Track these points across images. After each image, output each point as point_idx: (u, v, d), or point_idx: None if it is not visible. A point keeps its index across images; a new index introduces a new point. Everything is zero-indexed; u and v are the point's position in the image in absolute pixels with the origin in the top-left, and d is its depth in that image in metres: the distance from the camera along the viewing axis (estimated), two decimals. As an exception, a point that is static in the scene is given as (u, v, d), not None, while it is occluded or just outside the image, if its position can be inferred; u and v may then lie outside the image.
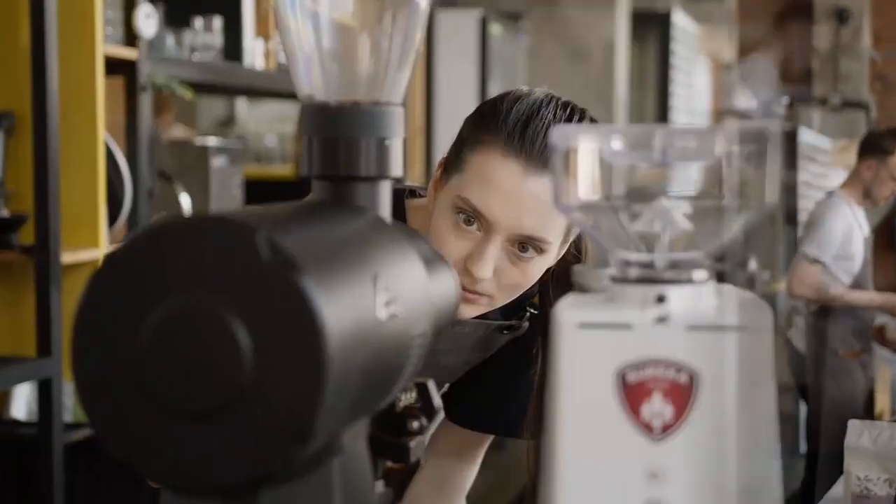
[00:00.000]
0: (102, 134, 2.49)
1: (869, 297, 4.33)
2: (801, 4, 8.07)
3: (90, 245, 2.48)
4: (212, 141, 3.14)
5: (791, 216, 6.92)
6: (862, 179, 4.26)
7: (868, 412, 4.32)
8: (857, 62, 9.79)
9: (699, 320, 0.67)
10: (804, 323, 4.44)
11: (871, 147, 4.29)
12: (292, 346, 0.60)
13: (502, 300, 1.29)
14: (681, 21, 7.54)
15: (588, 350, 0.68)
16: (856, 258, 4.25)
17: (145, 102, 2.66)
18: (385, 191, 0.80)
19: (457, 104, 5.87)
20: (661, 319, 0.68)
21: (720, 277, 0.71)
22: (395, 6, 0.81)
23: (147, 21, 2.62)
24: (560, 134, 0.70)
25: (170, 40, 2.92)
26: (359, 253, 0.69)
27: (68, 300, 2.37)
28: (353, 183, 0.78)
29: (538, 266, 1.26)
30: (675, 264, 0.71)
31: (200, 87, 3.19)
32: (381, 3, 0.80)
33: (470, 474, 1.56)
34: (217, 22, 3.04)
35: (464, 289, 1.24)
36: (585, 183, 0.71)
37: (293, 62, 0.80)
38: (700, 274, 0.70)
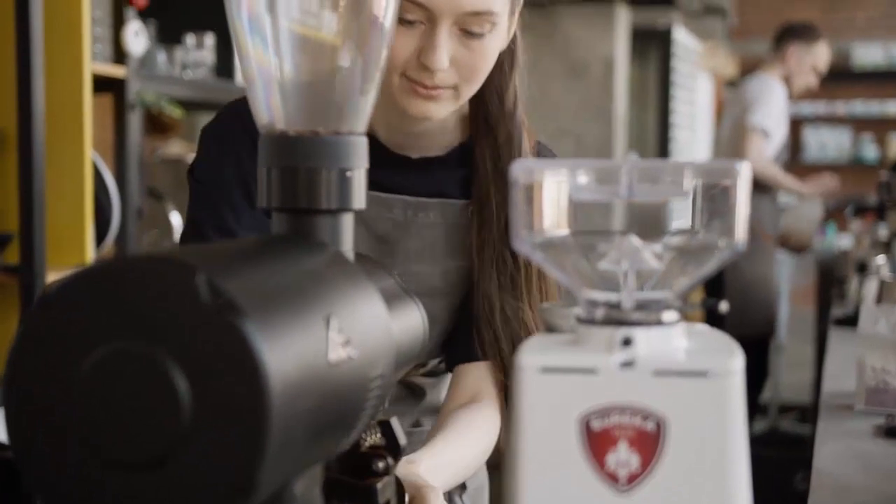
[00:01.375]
0: (90, 152, 2.46)
1: (799, 184, 4.53)
2: None
3: (77, 265, 2.45)
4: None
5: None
6: (785, 64, 4.37)
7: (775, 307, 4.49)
8: None
9: (667, 365, 0.64)
10: None
11: (796, 34, 4.43)
12: (233, 393, 0.57)
13: (467, 90, 1.25)
14: (682, 37, 7.52)
15: (551, 396, 0.65)
16: (779, 137, 4.41)
17: (134, 120, 2.63)
18: (347, 223, 0.77)
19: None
20: (627, 364, 0.64)
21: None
22: (356, 33, 0.78)
23: (136, 39, 2.59)
24: (522, 168, 0.67)
25: (161, 57, 2.90)
26: (312, 292, 0.66)
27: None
28: (314, 216, 0.75)
29: (492, 44, 1.22)
30: (643, 304, 0.67)
31: (191, 105, 3.16)
32: (342, 31, 0.77)
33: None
34: (209, 39, 3.01)
35: (424, 86, 1.21)
36: (549, 219, 0.68)
37: (252, 89, 0.77)
38: (669, 315, 0.67)
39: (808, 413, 5.18)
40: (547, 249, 0.68)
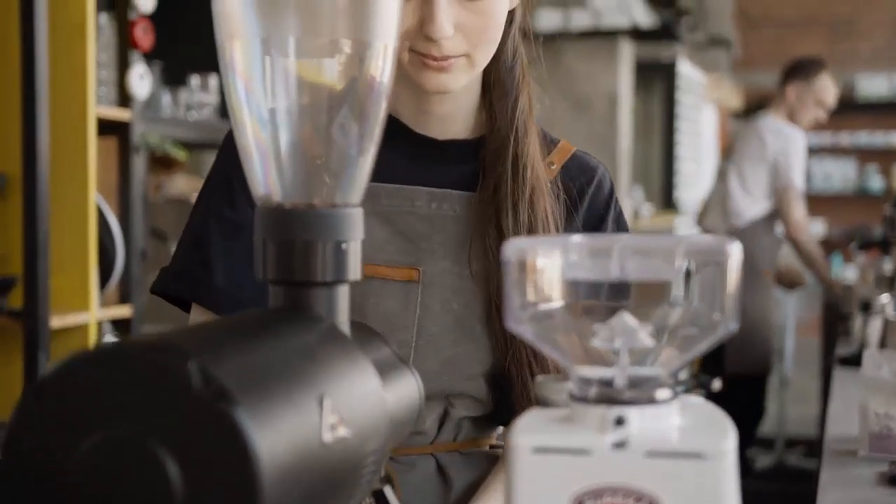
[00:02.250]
0: (94, 195, 2.47)
1: (826, 273, 4.60)
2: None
3: (81, 309, 2.45)
4: (208, 198, 3.12)
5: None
6: (787, 102, 4.41)
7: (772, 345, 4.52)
8: None
9: (660, 445, 0.64)
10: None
11: (797, 71, 4.49)
12: (225, 481, 0.57)
13: (482, 56, 1.19)
14: (686, 70, 7.55)
15: (543, 476, 0.65)
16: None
17: (138, 163, 2.64)
18: (343, 296, 0.77)
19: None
20: (620, 445, 0.64)
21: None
22: (353, 101, 0.78)
23: (141, 82, 2.61)
24: (514, 248, 0.67)
25: (165, 98, 2.91)
26: (305, 372, 0.66)
27: (56, 365, 2.33)
28: (309, 288, 0.76)
29: (497, 2, 1.17)
30: (636, 382, 0.68)
31: (196, 146, 3.17)
32: (338, 104, 0.78)
33: None
34: (213, 80, 3.03)
35: (434, 58, 1.16)
36: (541, 297, 0.68)
37: (248, 161, 0.78)
38: (662, 393, 0.67)
39: (815, 447, 5.16)
40: (539, 326, 0.68)
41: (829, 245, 10.25)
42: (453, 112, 1.27)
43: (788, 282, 4.95)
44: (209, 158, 4.96)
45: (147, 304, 2.76)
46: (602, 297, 0.69)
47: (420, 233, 1.24)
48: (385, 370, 0.78)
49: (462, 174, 1.27)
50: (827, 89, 4.47)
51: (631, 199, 6.18)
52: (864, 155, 10.26)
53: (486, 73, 1.26)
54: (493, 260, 1.21)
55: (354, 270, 0.77)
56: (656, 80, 7.30)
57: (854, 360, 2.80)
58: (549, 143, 1.31)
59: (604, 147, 5.58)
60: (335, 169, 0.78)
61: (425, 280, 1.21)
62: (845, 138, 10.21)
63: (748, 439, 4.51)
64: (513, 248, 0.67)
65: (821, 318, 5.65)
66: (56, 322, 2.38)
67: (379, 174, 1.24)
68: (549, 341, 0.69)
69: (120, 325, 2.70)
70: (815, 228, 10.25)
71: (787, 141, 4.38)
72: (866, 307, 3.17)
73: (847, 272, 9.15)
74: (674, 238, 0.69)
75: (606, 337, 0.68)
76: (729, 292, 0.66)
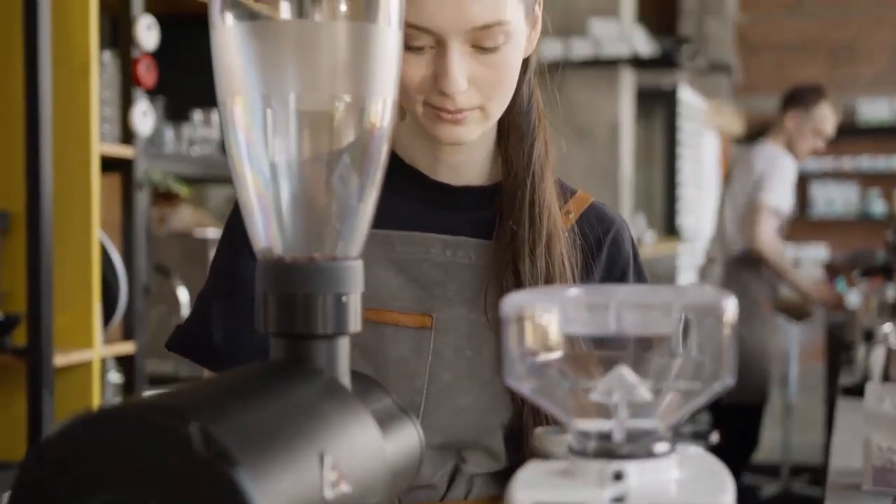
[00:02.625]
0: (97, 233, 2.48)
1: (806, 283, 4.54)
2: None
3: (84, 346, 2.46)
4: (212, 232, 3.14)
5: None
6: (786, 131, 4.41)
7: (770, 376, 4.48)
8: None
9: (659, 500, 0.65)
10: (721, 270, 4.52)
11: (795, 100, 4.47)
12: (226, 542, 0.57)
13: (496, 108, 1.18)
14: (687, 96, 7.57)
15: (543, 531, 0.65)
16: (786, 209, 4.45)
17: (141, 199, 2.66)
18: (343, 347, 0.78)
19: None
20: (619, 500, 0.65)
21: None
22: (353, 158, 0.79)
23: (144, 119, 2.62)
24: (512, 302, 0.68)
25: (169, 134, 2.93)
26: (305, 429, 0.67)
27: (61, 404, 2.34)
28: (310, 341, 0.76)
29: (511, 54, 1.15)
30: (634, 435, 0.68)
31: (199, 180, 3.19)
32: (337, 156, 0.79)
33: None
34: (215, 115, 3.04)
35: (448, 111, 1.15)
36: (539, 351, 0.69)
37: (249, 215, 0.78)
38: (661, 446, 0.67)
39: (821, 475, 5.14)
40: (537, 381, 0.69)
41: (832, 269, 10.25)
42: (468, 159, 1.27)
43: (793, 313, 4.95)
44: (213, 192, 5.00)
45: (150, 340, 2.76)
46: (600, 351, 0.70)
47: (434, 280, 1.23)
48: (386, 421, 0.79)
49: (478, 221, 1.26)
50: (825, 119, 4.46)
51: (633, 227, 6.19)
52: (867, 179, 10.27)
53: (502, 118, 1.25)
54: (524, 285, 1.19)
55: (355, 322, 0.78)
56: (657, 106, 7.33)
57: (857, 391, 2.79)
58: (565, 192, 1.30)
59: (605, 175, 5.60)
60: (336, 221, 0.79)
61: (438, 326, 1.21)
62: (847, 162, 10.23)
63: (741, 468, 4.50)
64: (511, 303, 0.68)
65: (824, 343, 5.65)
66: (60, 360, 2.38)
67: (394, 221, 1.25)
68: (547, 395, 0.70)
69: (124, 361, 2.70)
70: (817, 253, 10.27)
71: (772, 164, 4.40)
72: (869, 336, 3.16)
73: (851, 297, 9.14)
74: (670, 293, 0.70)
75: (604, 391, 0.69)
76: (725, 346, 0.67)
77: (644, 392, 0.68)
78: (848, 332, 4.19)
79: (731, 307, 0.67)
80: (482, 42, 1.13)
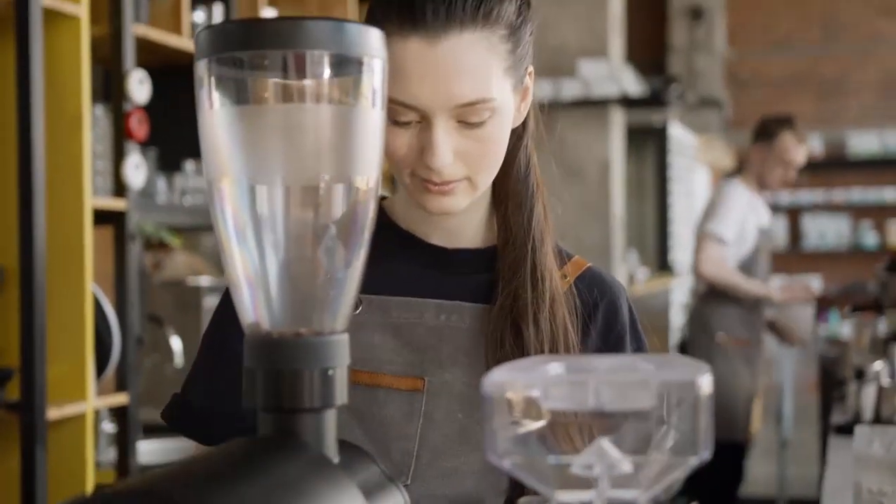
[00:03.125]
0: (90, 286, 2.49)
1: (766, 290, 4.45)
2: None
3: (78, 399, 2.47)
4: (205, 280, 3.15)
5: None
6: (754, 165, 4.41)
7: (747, 414, 4.39)
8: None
9: (638, 573, 0.66)
10: (691, 308, 4.55)
11: (760, 132, 4.48)
12: None
13: (483, 179, 1.18)
14: (677, 133, 7.62)
15: None
16: (746, 244, 4.36)
17: (134, 251, 2.67)
18: (330, 420, 0.79)
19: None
20: (600, 573, 0.66)
21: None
22: (339, 234, 0.81)
23: (136, 172, 2.65)
24: (492, 382, 0.70)
25: (161, 184, 2.95)
26: (292, 508, 0.68)
27: (55, 456, 2.35)
28: (298, 415, 0.78)
29: (498, 127, 1.16)
30: (615, 508, 0.70)
31: (192, 229, 3.21)
32: (323, 233, 0.81)
33: None
34: (208, 164, 3.05)
35: (435, 183, 1.15)
36: (520, 427, 0.70)
37: (236, 291, 0.80)
38: (641, 519, 0.69)
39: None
40: (519, 456, 0.70)
41: (825, 302, 10.29)
42: (463, 223, 1.28)
43: (788, 340, 4.95)
44: (205, 239, 5.01)
45: (144, 389, 2.77)
46: (581, 424, 0.71)
47: (428, 343, 1.24)
48: (373, 490, 0.80)
49: (473, 284, 1.26)
50: (788, 149, 4.40)
51: (626, 264, 6.21)
52: (858, 211, 10.33)
53: (499, 185, 1.26)
54: (528, 347, 1.20)
55: (341, 395, 0.79)
56: (648, 143, 7.37)
57: (849, 429, 2.80)
58: (562, 256, 1.30)
59: (597, 213, 5.62)
60: (321, 296, 0.80)
61: (430, 390, 1.21)
62: (839, 195, 10.29)
63: (730, 502, 4.49)
64: (492, 381, 0.70)
65: (818, 377, 5.66)
66: (53, 413, 2.39)
67: (392, 286, 1.27)
68: (529, 469, 0.71)
69: (117, 410, 2.71)
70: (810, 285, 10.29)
71: (721, 193, 4.41)
72: (860, 374, 3.18)
73: (843, 329, 9.16)
74: (650, 367, 0.72)
75: (586, 464, 0.70)
76: (702, 421, 0.69)
77: (625, 464, 0.70)
78: (840, 367, 4.20)
79: (706, 383, 0.68)
80: (467, 118, 1.14)
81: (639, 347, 1.30)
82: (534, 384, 0.70)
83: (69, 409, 2.43)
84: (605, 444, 0.70)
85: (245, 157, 0.79)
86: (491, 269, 1.26)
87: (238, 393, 0.94)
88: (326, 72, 0.78)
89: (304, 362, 0.78)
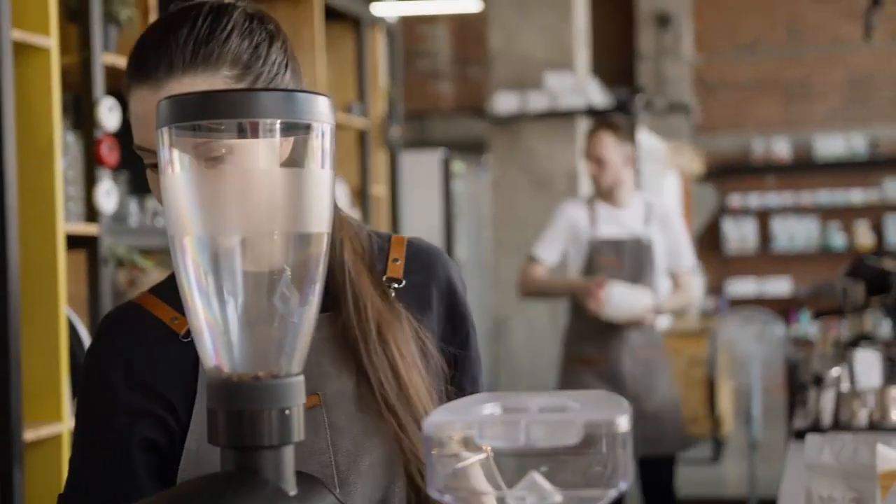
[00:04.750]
0: (64, 309, 2.55)
1: (571, 281, 4.18)
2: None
3: (53, 420, 2.52)
4: (177, 299, 3.19)
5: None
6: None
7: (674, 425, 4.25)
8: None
9: None
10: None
11: None
12: None
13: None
14: (646, 140, 7.71)
15: None
16: (580, 256, 4.19)
17: (106, 275, 2.73)
18: (288, 455, 0.86)
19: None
20: None
21: None
22: (293, 285, 0.88)
23: (107, 197, 2.71)
24: (432, 423, 0.77)
25: (133, 207, 3.01)
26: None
27: (32, 478, 2.40)
28: (257, 451, 0.85)
29: (246, 162, 1.14)
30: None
31: (165, 251, 3.27)
32: (279, 281, 0.87)
33: None
34: (179, 185, 3.11)
35: None
36: (457, 464, 0.78)
37: (199, 337, 0.87)
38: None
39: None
40: (457, 491, 0.78)
41: (795, 302, 10.43)
42: None
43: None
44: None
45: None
46: (513, 460, 0.78)
47: (310, 361, 1.30)
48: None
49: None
50: (588, 142, 4.20)
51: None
52: (826, 213, 10.46)
53: None
54: (374, 374, 1.26)
55: (298, 432, 0.86)
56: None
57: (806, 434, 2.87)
58: (381, 241, 1.35)
59: (566, 222, 5.70)
60: (278, 340, 0.87)
61: (327, 401, 1.27)
62: (807, 197, 10.42)
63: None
64: (430, 424, 0.77)
65: (784, 377, 5.74)
66: (29, 435, 2.44)
67: None
68: (467, 502, 0.78)
69: (93, 430, 2.75)
70: (780, 287, 10.44)
71: (557, 208, 4.30)
72: (818, 381, 3.25)
73: (812, 330, 9.27)
74: (575, 409, 0.79)
75: (519, 496, 0.77)
76: (619, 456, 0.76)
77: (555, 496, 0.77)
78: (803, 370, 4.26)
79: (624, 421, 0.76)
80: (206, 156, 1.14)
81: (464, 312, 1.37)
82: (469, 425, 0.77)
83: (45, 431, 2.48)
84: (537, 476, 0.78)
85: (204, 215, 0.86)
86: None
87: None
88: (278, 137, 0.85)
89: (263, 403, 0.85)
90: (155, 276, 3.77)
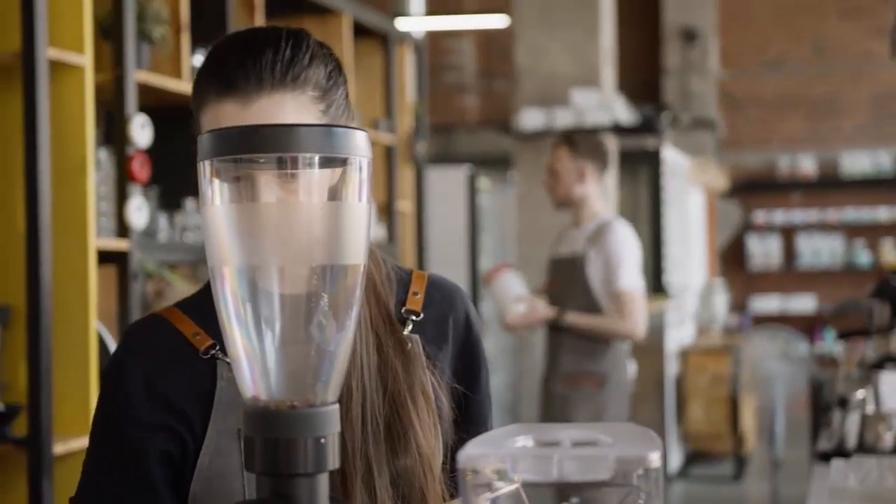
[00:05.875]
0: (94, 324, 2.58)
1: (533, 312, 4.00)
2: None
3: (83, 433, 2.55)
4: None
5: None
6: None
7: None
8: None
9: None
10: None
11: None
12: None
13: None
14: (671, 156, 7.71)
15: None
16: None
17: (136, 290, 2.76)
18: (323, 483, 0.88)
19: (449, 254, 6.02)
20: None
21: None
22: (330, 309, 0.89)
23: (138, 213, 2.74)
24: (466, 456, 0.78)
25: (163, 222, 3.04)
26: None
27: (61, 491, 2.43)
28: (293, 479, 0.86)
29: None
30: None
31: (193, 265, 3.30)
32: (316, 310, 0.89)
33: None
34: (208, 201, 3.14)
35: None
36: (491, 495, 0.79)
37: (238, 367, 0.89)
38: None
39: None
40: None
41: (819, 320, 10.38)
42: None
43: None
44: (202, 269, 5.09)
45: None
46: (545, 490, 0.80)
47: None
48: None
49: None
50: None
51: (620, 287, 6.27)
52: (852, 230, 10.41)
53: None
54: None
55: (333, 460, 0.88)
56: (642, 167, 7.46)
57: (832, 457, 2.86)
58: (401, 274, 1.36)
59: (591, 238, 5.69)
60: (314, 369, 0.89)
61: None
62: (832, 214, 10.37)
63: None
64: (465, 457, 0.78)
65: (808, 395, 5.72)
66: (59, 448, 2.47)
67: None
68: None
69: (121, 443, 2.78)
70: (805, 304, 10.39)
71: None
72: (843, 402, 3.24)
73: (837, 348, 9.21)
74: (607, 443, 0.80)
75: (549, 528, 0.79)
76: (652, 490, 0.77)
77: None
78: (828, 391, 4.25)
79: (655, 458, 0.77)
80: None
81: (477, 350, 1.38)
82: (503, 458, 0.79)
83: (75, 444, 2.51)
84: (570, 509, 0.79)
85: (243, 247, 0.88)
86: None
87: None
88: (316, 171, 0.87)
89: (299, 432, 0.86)
90: (181, 288, 3.81)
